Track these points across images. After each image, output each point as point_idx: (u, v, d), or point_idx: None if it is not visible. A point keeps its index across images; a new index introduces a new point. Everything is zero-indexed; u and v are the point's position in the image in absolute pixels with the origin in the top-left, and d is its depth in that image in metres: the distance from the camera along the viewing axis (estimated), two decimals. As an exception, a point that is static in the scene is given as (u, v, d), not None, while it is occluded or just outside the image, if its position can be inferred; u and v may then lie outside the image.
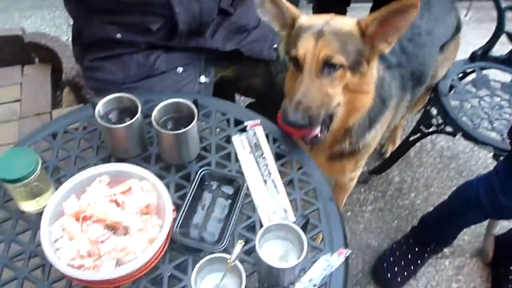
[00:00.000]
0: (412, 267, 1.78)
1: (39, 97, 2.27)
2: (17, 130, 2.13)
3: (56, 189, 1.05)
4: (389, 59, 1.35)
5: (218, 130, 1.21)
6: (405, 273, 1.77)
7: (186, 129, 1.03)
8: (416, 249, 1.78)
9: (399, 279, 1.76)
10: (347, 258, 0.99)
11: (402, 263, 1.77)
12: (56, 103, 2.31)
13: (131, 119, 1.05)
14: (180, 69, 1.44)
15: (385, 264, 1.78)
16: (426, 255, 1.79)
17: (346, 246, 1.01)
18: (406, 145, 2.01)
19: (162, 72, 1.44)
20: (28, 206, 1.03)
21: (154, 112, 1.06)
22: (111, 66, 1.41)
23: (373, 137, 1.36)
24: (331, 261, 0.98)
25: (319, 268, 0.98)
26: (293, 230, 0.92)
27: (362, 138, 1.32)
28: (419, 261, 1.79)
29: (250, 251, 0.97)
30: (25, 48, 2.40)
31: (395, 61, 1.37)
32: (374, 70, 1.18)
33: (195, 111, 1.06)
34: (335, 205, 1.07)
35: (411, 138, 1.94)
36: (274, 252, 0.94)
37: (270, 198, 1.06)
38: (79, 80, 2.22)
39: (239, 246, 0.87)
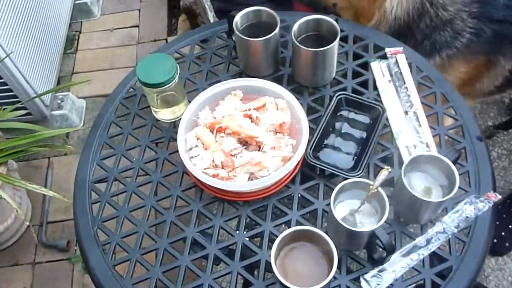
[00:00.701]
0: None
1: (156, 23, 2.32)
2: (135, 53, 2.20)
3: (189, 101, 1.04)
4: (492, 12, 1.15)
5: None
6: None
7: (327, 47, 0.96)
8: None
9: (507, 243, 1.61)
10: (495, 204, 0.89)
11: (510, 226, 1.61)
12: (171, 30, 2.35)
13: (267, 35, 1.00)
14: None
15: None
16: None
17: (494, 190, 0.91)
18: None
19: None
20: (163, 114, 1.04)
21: (294, 28, 1.00)
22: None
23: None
24: (478, 205, 0.89)
25: (463, 210, 0.89)
26: (443, 164, 0.83)
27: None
28: None
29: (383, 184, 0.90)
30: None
31: (500, 15, 1.15)
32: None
33: (338, 28, 0.98)
34: (485, 145, 0.96)
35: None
36: (416, 185, 0.87)
37: (411, 131, 0.98)
38: (195, 7, 2.22)
39: (385, 172, 0.80)
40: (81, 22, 2.36)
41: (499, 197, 0.90)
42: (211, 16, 2.43)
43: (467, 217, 0.88)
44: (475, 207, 0.88)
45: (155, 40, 2.25)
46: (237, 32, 1.01)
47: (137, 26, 2.32)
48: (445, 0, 1.15)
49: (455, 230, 0.87)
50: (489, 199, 0.89)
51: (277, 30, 1.00)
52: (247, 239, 0.88)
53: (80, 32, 2.33)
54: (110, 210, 0.95)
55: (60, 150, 1.84)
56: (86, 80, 1.73)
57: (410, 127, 0.98)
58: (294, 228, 0.75)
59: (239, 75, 1.11)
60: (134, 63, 2.15)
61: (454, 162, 0.88)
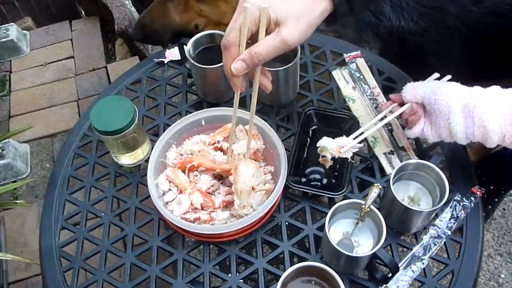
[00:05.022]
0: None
1: (92, 51, 2.20)
2: (75, 86, 2.07)
3: (151, 140, 0.97)
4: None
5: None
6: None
7: (289, 64, 0.92)
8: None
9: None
10: (482, 198, 0.88)
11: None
12: (108, 57, 2.23)
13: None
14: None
15: None
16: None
17: (478, 184, 0.90)
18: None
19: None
20: (126, 159, 0.96)
21: (251, 48, 0.94)
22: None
23: None
24: (465, 202, 0.88)
25: (452, 210, 0.87)
26: (431, 170, 0.81)
27: None
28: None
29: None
30: (70, 2, 2.31)
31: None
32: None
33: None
34: (459, 140, 0.95)
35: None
36: (403, 194, 0.85)
37: (385, 136, 0.96)
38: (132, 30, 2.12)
39: (375, 190, 0.77)
40: (10, 60, 2.20)
41: (484, 190, 0.89)
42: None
43: (457, 216, 0.86)
44: (463, 206, 0.87)
45: (93, 70, 2.13)
46: (192, 61, 0.95)
47: (72, 57, 2.19)
48: None
49: (449, 232, 0.85)
50: (474, 194, 0.89)
51: (234, 53, 0.94)
52: (241, 281, 0.82)
53: (10, 72, 2.16)
54: (86, 275, 0.86)
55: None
56: (28, 128, 1.59)
57: (384, 133, 0.96)
58: (297, 266, 0.70)
59: (199, 103, 1.04)
60: (76, 97, 2.03)
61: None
